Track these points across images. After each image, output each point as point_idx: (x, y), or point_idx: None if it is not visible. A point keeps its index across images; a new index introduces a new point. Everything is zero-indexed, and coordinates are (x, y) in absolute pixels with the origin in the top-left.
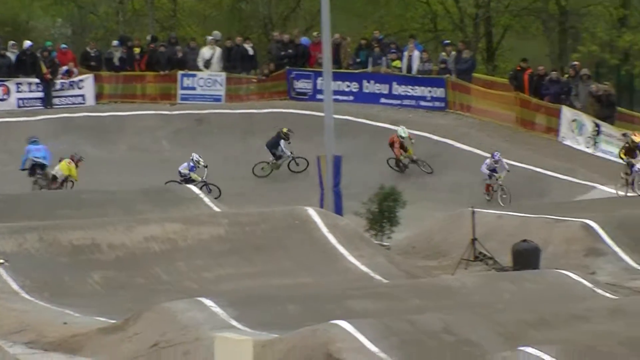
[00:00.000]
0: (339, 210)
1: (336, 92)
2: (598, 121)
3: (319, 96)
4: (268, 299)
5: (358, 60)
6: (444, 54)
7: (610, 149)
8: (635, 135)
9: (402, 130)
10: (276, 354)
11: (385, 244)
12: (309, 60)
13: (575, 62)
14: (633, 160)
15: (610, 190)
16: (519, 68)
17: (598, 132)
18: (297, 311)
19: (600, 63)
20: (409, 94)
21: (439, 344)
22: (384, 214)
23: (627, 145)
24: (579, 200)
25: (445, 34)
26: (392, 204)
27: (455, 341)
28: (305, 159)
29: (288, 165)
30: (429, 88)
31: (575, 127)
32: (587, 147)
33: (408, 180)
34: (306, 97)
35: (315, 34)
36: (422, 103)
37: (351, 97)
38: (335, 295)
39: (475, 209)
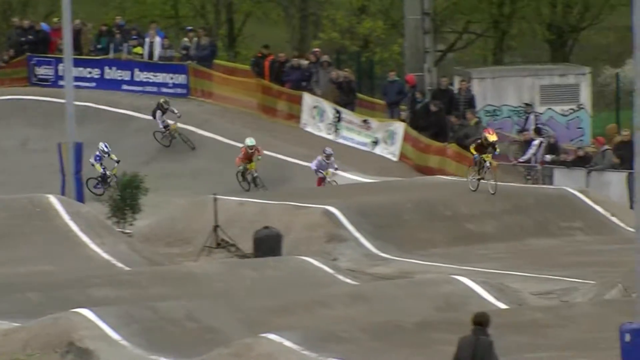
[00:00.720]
0: (80, 197)
1: (77, 79)
2: (339, 108)
3: (60, 82)
4: (8, 288)
5: (99, 46)
6: (186, 39)
7: (351, 136)
8: (489, 133)
9: (250, 140)
10: (17, 343)
11: (127, 231)
12: (50, 46)
13: (316, 49)
14: (484, 157)
15: (350, 176)
16: (260, 54)
17: (339, 118)
18: (39, 299)
19: (341, 50)
20: (150, 80)
21: (181, 331)
22: (126, 201)
23: (479, 141)
24: (320, 186)
25: (186, 20)
26: (134, 191)
27: (197, 328)
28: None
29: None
30: (171, 74)
31: (316, 114)
32: (328, 134)
33: (150, 167)
34: (47, 83)
35: (55, 19)
36: (164, 89)
37: (93, 84)
38: (77, 283)
39: (217, 196)
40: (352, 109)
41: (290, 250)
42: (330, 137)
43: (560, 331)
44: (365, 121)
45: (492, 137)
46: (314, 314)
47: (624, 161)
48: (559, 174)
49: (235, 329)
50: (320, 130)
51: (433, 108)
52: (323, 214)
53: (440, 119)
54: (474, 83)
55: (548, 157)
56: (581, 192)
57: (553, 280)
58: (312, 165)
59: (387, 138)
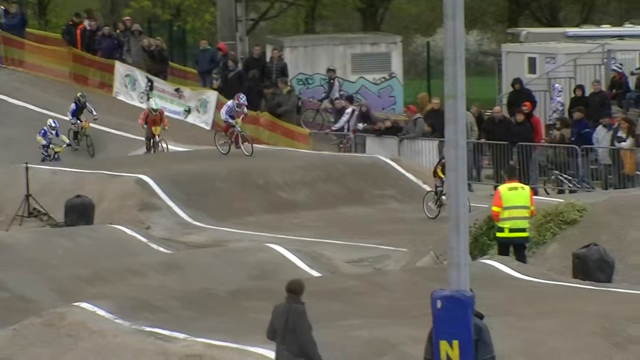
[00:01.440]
0: None
1: None
2: (151, 76)
3: None
4: None
5: None
6: (1, 7)
7: (163, 104)
8: None
9: (154, 103)
10: None
11: None
12: None
13: (127, 17)
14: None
15: (163, 145)
16: (71, 23)
17: (151, 87)
18: None
19: (153, 18)
20: None
21: None
22: None
23: (443, 160)
24: (133, 155)
25: None
26: None
27: (9, 297)
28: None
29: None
30: None
31: (128, 83)
32: (141, 102)
33: None
34: None
35: None
36: None
37: None
38: None
39: (30, 165)
40: (165, 78)
41: (103, 219)
42: (143, 105)
43: (373, 298)
44: (177, 90)
45: None
46: (128, 282)
47: (436, 129)
48: (371, 142)
49: (48, 298)
50: (133, 99)
51: (251, 76)
52: (136, 183)
53: (254, 88)
54: (286, 52)
55: (360, 126)
56: (393, 160)
57: (366, 248)
58: (222, 112)
59: (200, 107)
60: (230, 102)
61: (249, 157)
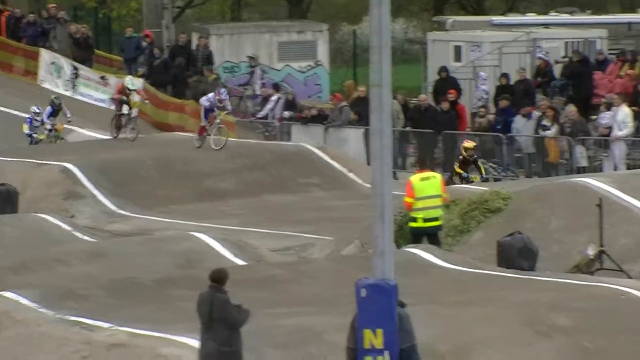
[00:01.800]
0: None
1: None
2: (77, 64)
3: None
4: None
5: None
6: None
7: (88, 92)
8: (467, 142)
9: (131, 83)
10: None
11: None
12: None
13: (53, 5)
14: (472, 177)
15: (88, 133)
16: None
17: (76, 75)
18: None
19: (78, 6)
20: None
21: None
22: None
23: (461, 157)
24: (59, 144)
25: None
26: None
27: None
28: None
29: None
30: None
31: (53, 70)
32: (67, 90)
33: None
34: None
35: None
36: None
37: None
38: None
39: None
40: (90, 65)
41: (27, 208)
42: (68, 93)
43: (298, 287)
44: (102, 77)
45: (470, 144)
46: (52, 271)
47: (362, 117)
48: (296, 130)
49: None
50: (58, 87)
51: (177, 64)
52: (61, 171)
53: (180, 76)
54: (212, 39)
55: (286, 114)
56: (319, 148)
57: (291, 237)
58: (203, 101)
59: None
60: (210, 96)
61: (198, 147)
